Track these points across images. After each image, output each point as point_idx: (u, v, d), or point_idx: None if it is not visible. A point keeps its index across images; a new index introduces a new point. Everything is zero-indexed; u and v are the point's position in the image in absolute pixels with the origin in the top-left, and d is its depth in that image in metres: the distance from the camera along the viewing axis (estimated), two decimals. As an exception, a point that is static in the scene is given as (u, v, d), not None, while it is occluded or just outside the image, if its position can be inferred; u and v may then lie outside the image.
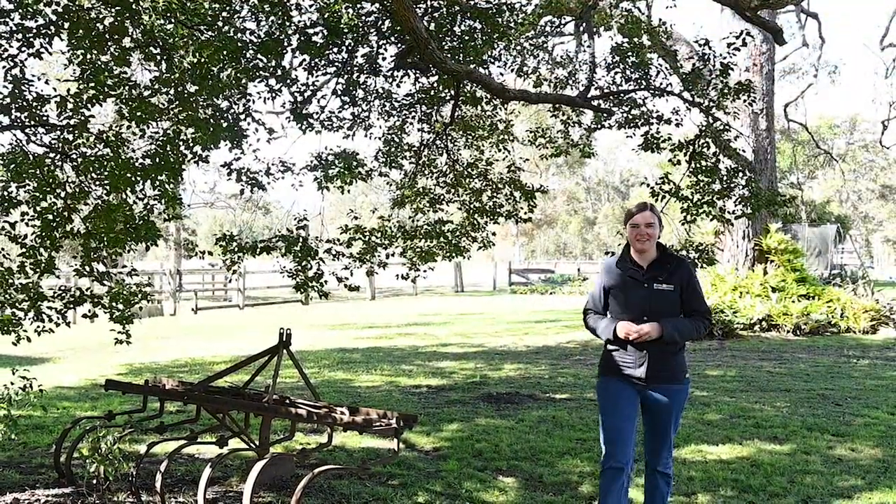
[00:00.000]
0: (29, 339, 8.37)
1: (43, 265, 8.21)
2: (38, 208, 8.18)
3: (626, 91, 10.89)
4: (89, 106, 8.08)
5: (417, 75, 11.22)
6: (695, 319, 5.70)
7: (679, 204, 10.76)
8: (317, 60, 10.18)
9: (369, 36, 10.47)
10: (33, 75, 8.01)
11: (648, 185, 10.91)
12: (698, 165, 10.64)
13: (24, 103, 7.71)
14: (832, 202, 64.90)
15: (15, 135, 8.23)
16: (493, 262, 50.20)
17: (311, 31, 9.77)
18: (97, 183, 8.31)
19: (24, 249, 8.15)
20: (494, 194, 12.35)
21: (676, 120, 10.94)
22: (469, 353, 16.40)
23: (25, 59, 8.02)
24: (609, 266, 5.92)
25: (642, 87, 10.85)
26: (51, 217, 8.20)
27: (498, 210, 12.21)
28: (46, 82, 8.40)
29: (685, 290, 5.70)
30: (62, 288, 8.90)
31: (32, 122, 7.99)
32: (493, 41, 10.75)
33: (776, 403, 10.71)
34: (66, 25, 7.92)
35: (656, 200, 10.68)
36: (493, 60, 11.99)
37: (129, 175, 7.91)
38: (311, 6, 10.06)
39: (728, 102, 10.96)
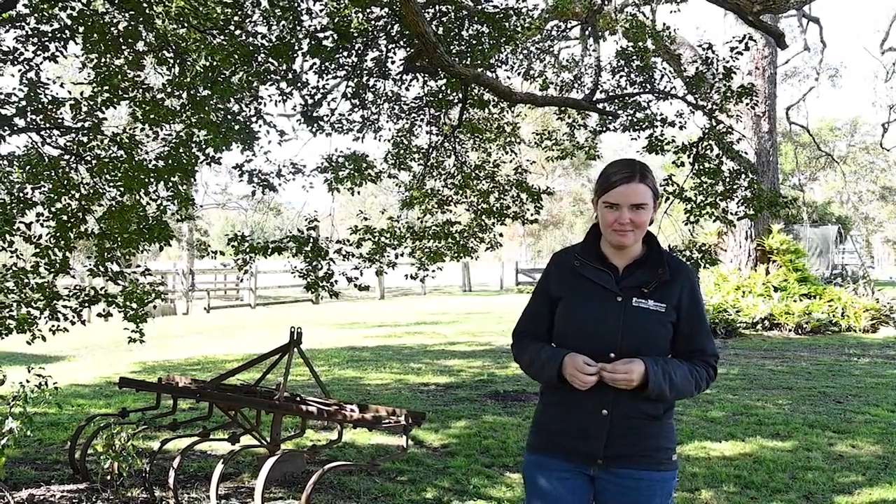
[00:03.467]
0: (44, 338, 8.36)
1: (57, 265, 8.21)
2: (52, 209, 8.17)
3: (630, 94, 10.84)
4: (103, 109, 8.10)
5: (426, 79, 11.19)
6: (696, 365, 3.44)
7: (682, 205, 10.72)
8: (327, 64, 10.16)
9: (379, 40, 10.45)
10: (48, 79, 8.03)
11: (652, 187, 10.87)
12: (701, 167, 10.59)
13: (40, 106, 7.71)
14: (833, 203, 64.63)
15: (30, 137, 8.24)
16: (501, 262, 50.13)
17: (321, 35, 9.75)
18: (111, 184, 8.31)
19: (38, 249, 8.16)
20: (501, 196, 12.31)
21: (680, 123, 10.90)
22: (476, 352, 16.38)
23: (41, 63, 8.04)
24: (562, 263, 3.58)
25: (647, 90, 10.81)
26: (65, 218, 8.20)
27: (505, 211, 12.17)
28: (61, 86, 8.39)
29: (685, 315, 3.43)
30: (77, 287, 8.90)
31: (47, 125, 7.99)
32: (501, 45, 10.71)
33: (778, 401, 10.69)
34: (81, 30, 7.94)
35: (660, 202, 10.62)
36: (500, 64, 11.96)
37: (142, 176, 7.91)
38: (321, 11, 10.04)
39: (731, 105, 10.90)
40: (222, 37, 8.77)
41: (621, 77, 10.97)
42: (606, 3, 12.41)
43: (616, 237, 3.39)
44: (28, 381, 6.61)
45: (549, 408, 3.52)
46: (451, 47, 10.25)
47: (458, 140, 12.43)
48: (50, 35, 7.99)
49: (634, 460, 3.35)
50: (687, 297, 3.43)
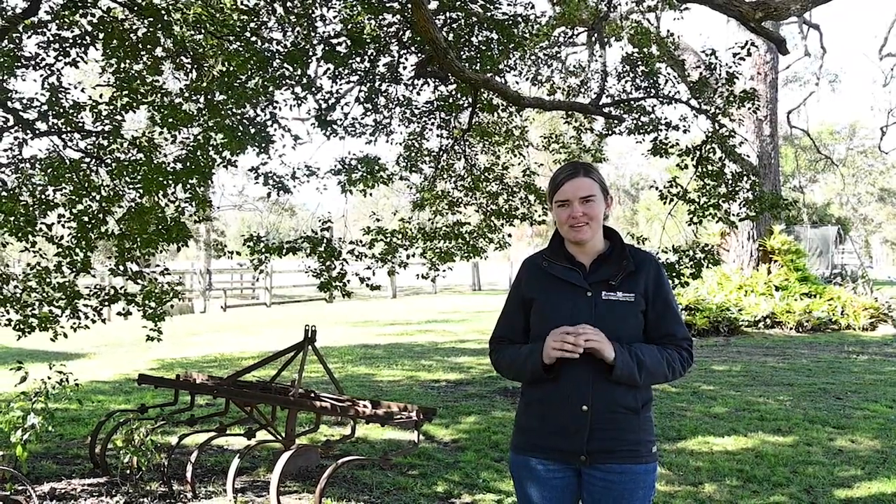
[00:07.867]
0: (66, 336, 8.39)
1: (79, 265, 8.23)
2: (74, 211, 8.20)
3: (635, 99, 10.81)
4: (123, 113, 8.09)
5: (437, 83, 11.17)
6: (667, 349, 3.41)
7: (686, 206, 10.69)
8: (340, 69, 10.13)
9: (391, 46, 10.43)
10: (69, 83, 8.03)
11: (657, 189, 10.84)
12: (705, 170, 10.56)
13: (61, 110, 7.73)
14: (833, 205, 64.48)
15: (52, 140, 8.25)
16: (509, 261, 50.00)
17: (335, 41, 9.74)
18: (130, 186, 8.32)
19: (60, 250, 8.17)
20: (510, 197, 12.29)
21: (684, 126, 10.85)
22: (486, 349, 16.25)
23: (62, 68, 8.05)
24: (532, 266, 3.60)
25: (651, 95, 10.77)
26: (86, 219, 8.22)
27: (513, 212, 12.15)
28: (82, 90, 8.41)
29: (653, 303, 3.43)
30: (97, 286, 8.92)
31: (69, 129, 8.01)
32: (509, 51, 10.69)
33: (779, 397, 10.64)
34: (101, 36, 7.95)
35: (665, 203, 10.59)
36: (508, 69, 11.94)
37: (160, 179, 7.91)
38: (335, 17, 10.03)
39: (733, 110, 10.86)
40: (238, 43, 8.76)
41: (627, 82, 10.94)
42: (612, 10, 12.37)
43: (573, 233, 3.43)
44: (49, 378, 6.61)
45: (531, 406, 3.47)
46: (462, 53, 10.22)
47: (467, 143, 12.41)
48: (71, 41, 8.00)
49: (617, 455, 3.31)
50: (652, 283, 3.43)
